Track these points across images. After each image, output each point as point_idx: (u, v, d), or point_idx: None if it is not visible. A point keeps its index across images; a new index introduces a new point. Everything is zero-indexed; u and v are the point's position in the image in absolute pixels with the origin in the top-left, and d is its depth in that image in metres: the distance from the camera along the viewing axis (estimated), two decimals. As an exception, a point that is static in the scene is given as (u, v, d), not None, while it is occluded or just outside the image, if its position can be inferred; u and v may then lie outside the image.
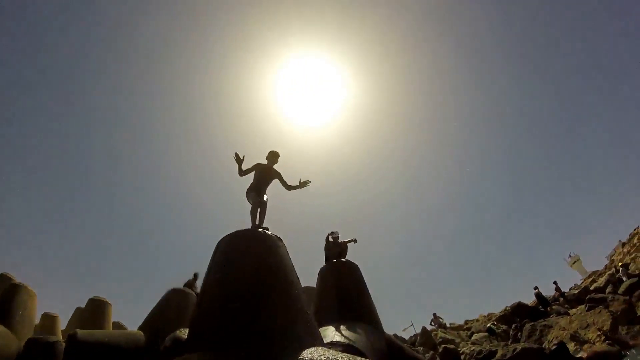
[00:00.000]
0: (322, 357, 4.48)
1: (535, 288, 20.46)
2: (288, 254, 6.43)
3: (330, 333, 7.44)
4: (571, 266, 46.44)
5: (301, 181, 7.55)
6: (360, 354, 5.76)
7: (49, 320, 14.47)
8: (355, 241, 10.98)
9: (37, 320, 13.28)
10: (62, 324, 15.02)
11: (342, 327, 7.77)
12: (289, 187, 7.59)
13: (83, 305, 14.89)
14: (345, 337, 7.19)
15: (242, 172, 7.33)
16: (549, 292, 22.87)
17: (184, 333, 6.98)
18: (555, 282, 22.58)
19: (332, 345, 6.18)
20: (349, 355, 4.78)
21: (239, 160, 7.30)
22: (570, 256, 48.34)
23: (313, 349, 4.88)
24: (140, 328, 9.29)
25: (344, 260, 10.39)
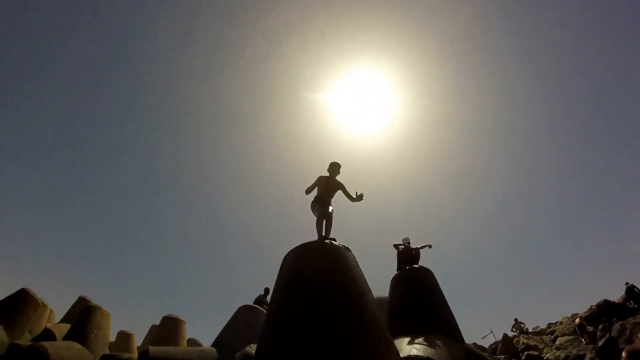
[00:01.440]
0: None
1: (627, 283, 18.99)
2: (357, 264, 6.19)
3: (406, 346, 7.07)
4: None
5: (357, 194, 7.43)
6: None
7: (124, 338, 14.92)
8: (429, 246, 10.66)
9: (112, 339, 13.74)
10: (138, 341, 15.43)
11: (418, 339, 7.39)
12: (352, 199, 7.45)
13: (158, 323, 15.28)
14: (422, 350, 6.81)
15: (308, 190, 7.35)
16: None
17: (253, 349, 6.85)
18: (627, 283, 20.77)
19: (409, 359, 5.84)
20: None
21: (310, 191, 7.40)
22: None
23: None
24: (213, 344, 9.35)
25: (416, 266, 10.02)
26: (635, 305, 17.60)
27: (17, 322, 11.04)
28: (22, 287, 11.83)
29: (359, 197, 7.37)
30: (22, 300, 11.58)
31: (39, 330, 11.61)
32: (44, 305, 12.81)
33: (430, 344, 7.18)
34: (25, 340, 10.03)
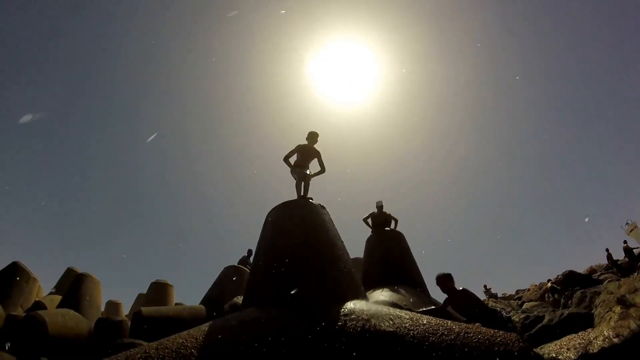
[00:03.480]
0: (364, 307, 4.90)
1: (607, 249, 20.58)
2: (331, 220, 6.95)
3: (375, 294, 7.91)
4: (628, 234, 44.58)
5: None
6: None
7: (113, 306, 15.46)
8: (396, 221, 11.16)
9: (102, 307, 14.21)
10: (126, 310, 15.95)
11: (386, 289, 8.22)
12: (321, 170, 8.23)
13: (144, 292, 15.71)
14: (389, 296, 7.64)
15: (286, 157, 8.01)
16: (603, 260, 22.65)
17: (240, 299, 7.50)
18: (607, 250, 22.22)
19: (376, 303, 6.55)
20: (388, 307, 5.19)
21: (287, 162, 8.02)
22: (627, 224, 46.68)
23: (356, 300, 5.32)
24: (201, 303, 9.97)
25: (389, 229, 10.82)
26: (599, 277, 18.83)
27: (10, 294, 11.31)
28: (14, 260, 12.17)
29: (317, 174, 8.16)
30: (15, 273, 11.89)
31: (29, 304, 11.89)
32: (35, 279, 13.20)
33: (397, 292, 8.05)
34: (19, 313, 10.37)
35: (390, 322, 4.36)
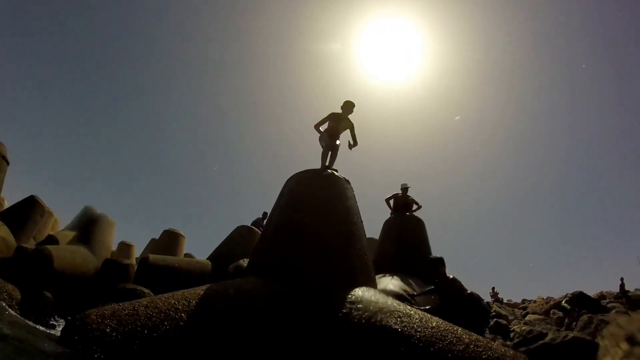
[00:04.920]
0: (372, 298, 4.56)
1: (622, 279, 19.88)
2: (355, 198, 6.48)
3: (385, 280, 7.56)
4: None
5: (350, 142, 7.68)
6: (411, 305, 5.76)
7: (125, 248, 15.51)
8: (419, 207, 10.75)
9: (114, 248, 14.28)
10: (137, 253, 16.01)
11: (397, 276, 7.86)
12: (354, 143, 7.67)
13: (158, 237, 15.77)
14: (397, 286, 7.28)
15: (317, 125, 7.53)
16: (614, 288, 21.96)
17: (245, 262, 7.29)
18: (621, 279, 21.43)
19: (384, 292, 6.25)
20: (398, 302, 4.84)
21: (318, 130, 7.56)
22: (642, 256, 45.59)
23: (365, 288, 4.98)
24: (208, 258, 9.83)
25: (409, 214, 10.42)
26: (607, 304, 18.24)
27: (24, 227, 11.38)
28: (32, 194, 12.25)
29: (350, 146, 7.66)
30: (30, 206, 11.99)
31: (43, 237, 11.98)
32: (50, 213, 13.25)
33: (406, 282, 7.69)
34: (30, 245, 10.42)
35: (399, 319, 4.04)
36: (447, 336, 3.83)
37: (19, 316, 6.81)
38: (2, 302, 6.77)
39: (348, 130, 7.62)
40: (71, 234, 12.09)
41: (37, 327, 6.02)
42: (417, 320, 4.05)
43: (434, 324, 4.05)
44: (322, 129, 7.54)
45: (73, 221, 13.54)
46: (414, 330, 3.88)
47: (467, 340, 3.82)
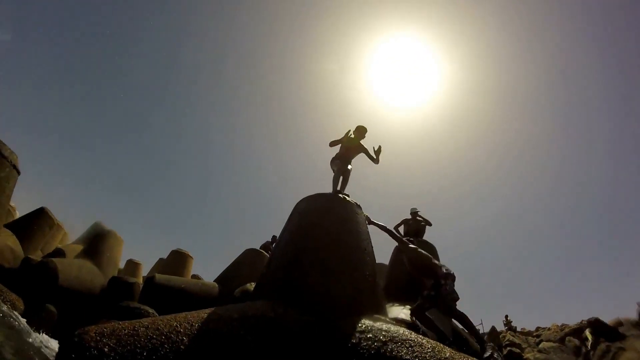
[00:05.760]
0: (383, 327, 4.37)
1: (639, 304, 19.24)
2: (365, 223, 6.39)
3: (396, 310, 7.34)
4: None
5: (375, 149, 7.58)
6: (423, 335, 5.59)
7: (132, 266, 15.50)
8: (429, 224, 10.61)
9: (122, 265, 14.27)
10: (145, 272, 15.95)
11: (409, 305, 7.64)
12: (376, 160, 7.58)
13: (165, 258, 15.73)
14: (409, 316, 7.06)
15: (334, 143, 7.50)
16: (630, 312, 21.36)
17: (252, 286, 7.16)
18: (638, 304, 20.84)
19: (395, 320, 6.07)
20: (410, 331, 4.66)
21: (347, 136, 7.51)
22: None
23: (375, 316, 4.81)
24: (215, 281, 9.70)
25: (420, 239, 10.20)
26: (629, 333, 17.73)
27: (32, 238, 11.42)
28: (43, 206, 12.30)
29: (378, 151, 7.54)
30: (40, 218, 12.03)
31: (51, 249, 12.01)
32: (59, 226, 13.32)
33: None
34: (37, 256, 10.42)
35: (410, 349, 3.84)
36: (461, 369, 3.65)
37: (22, 325, 6.76)
38: (4, 308, 6.70)
39: (362, 154, 7.59)
40: (79, 248, 12.08)
41: (37, 339, 5.94)
42: (430, 350, 3.85)
43: (447, 354, 3.86)
44: (336, 148, 7.53)
45: (82, 235, 13.55)
46: (426, 361, 3.69)
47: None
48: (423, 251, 6.50)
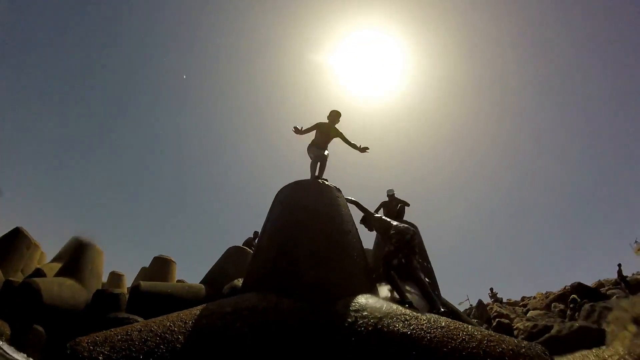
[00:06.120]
0: (377, 304, 4.39)
1: (619, 265, 19.95)
2: (347, 205, 6.40)
3: (384, 290, 7.40)
4: (636, 253, 43.51)
5: (361, 147, 7.63)
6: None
7: (115, 278, 15.20)
8: (407, 205, 10.58)
9: (105, 278, 13.99)
10: (129, 283, 15.68)
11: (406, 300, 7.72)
12: (349, 143, 7.64)
13: (148, 265, 15.50)
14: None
15: (303, 132, 7.49)
16: (613, 275, 22.06)
17: (241, 281, 7.11)
18: (619, 265, 21.47)
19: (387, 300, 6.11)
20: (403, 307, 4.68)
21: (299, 132, 7.49)
22: (636, 242, 45.45)
23: (368, 295, 4.81)
24: (201, 282, 9.61)
25: (402, 220, 10.21)
26: (607, 292, 18.27)
27: (11, 260, 11.17)
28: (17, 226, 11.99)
29: (363, 150, 7.62)
30: (16, 239, 11.74)
31: (30, 270, 11.73)
32: (36, 246, 12.97)
33: (407, 291, 7.52)
34: (18, 278, 10.20)
35: (406, 322, 3.87)
36: (459, 335, 3.68)
37: (10, 352, 6.61)
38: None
39: (337, 139, 7.61)
40: (58, 266, 11.84)
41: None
42: (425, 322, 3.89)
43: (443, 323, 3.89)
44: (308, 136, 7.52)
45: (60, 252, 13.28)
46: (423, 332, 3.72)
47: (479, 337, 3.68)
48: (385, 217, 6.80)
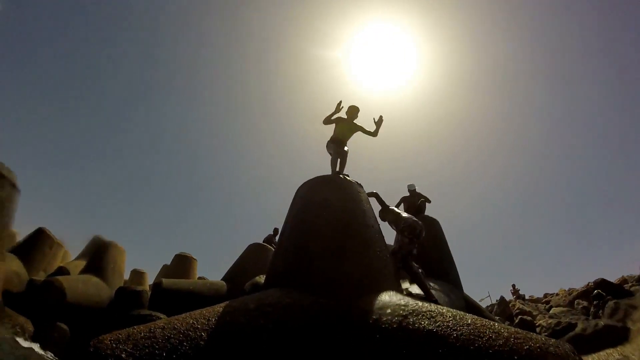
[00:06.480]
0: (401, 301, 4.31)
1: None
2: (368, 200, 6.35)
3: (406, 286, 7.30)
4: None
5: (375, 120, 7.56)
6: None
7: (137, 276, 15.39)
8: (429, 201, 10.40)
9: (126, 276, 14.15)
10: (150, 280, 15.81)
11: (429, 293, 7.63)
12: (374, 133, 7.57)
13: (169, 263, 15.61)
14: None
15: (327, 120, 7.40)
16: (632, 272, 21.59)
17: (262, 279, 7.09)
18: None
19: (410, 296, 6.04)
20: (429, 302, 4.60)
21: (338, 109, 7.40)
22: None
23: (392, 292, 4.74)
24: (222, 280, 9.61)
25: (423, 215, 10.10)
26: (631, 288, 17.85)
27: (34, 259, 11.35)
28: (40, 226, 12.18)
29: (379, 121, 7.54)
30: (39, 239, 11.93)
31: (53, 268, 11.92)
32: (59, 245, 13.16)
33: (431, 286, 7.42)
34: (41, 277, 10.33)
35: (432, 319, 3.79)
36: (485, 332, 3.59)
37: (35, 349, 6.69)
38: (8, 336, 6.62)
39: (359, 133, 7.56)
40: (82, 264, 11.99)
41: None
42: (451, 319, 3.80)
43: (469, 320, 3.80)
44: (327, 130, 7.51)
45: (83, 251, 13.44)
46: (449, 329, 3.63)
47: (506, 334, 3.58)
48: (397, 210, 6.99)
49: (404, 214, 6.76)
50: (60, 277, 9.25)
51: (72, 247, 14.58)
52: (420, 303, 4.31)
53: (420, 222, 6.58)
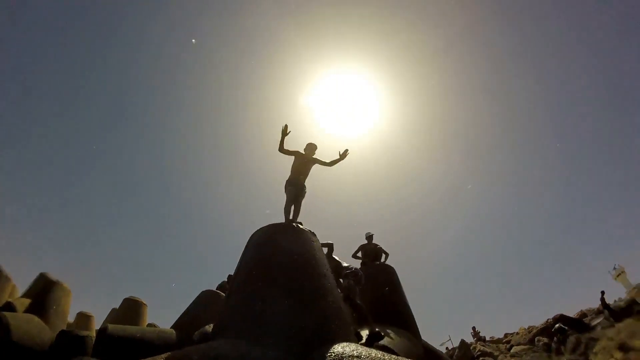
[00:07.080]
0: (355, 352, 4.19)
1: (603, 292, 19.69)
2: (322, 249, 6.35)
3: (363, 334, 7.18)
4: (615, 279, 43.65)
5: (340, 153, 7.54)
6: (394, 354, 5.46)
7: (83, 319, 14.68)
8: (387, 255, 10.56)
9: (71, 319, 13.52)
10: (98, 324, 15.14)
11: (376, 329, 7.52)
12: (331, 163, 7.55)
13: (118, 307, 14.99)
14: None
15: (282, 148, 7.26)
16: (594, 304, 21.98)
17: (212, 327, 6.87)
18: (602, 293, 21.20)
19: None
20: (383, 352, 4.48)
21: (285, 133, 7.22)
22: (614, 268, 45.72)
23: (345, 343, 4.61)
24: (173, 327, 9.27)
25: (379, 263, 10.10)
26: (590, 322, 18.14)
27: (-18, 293, 10.87)
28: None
29: (344, 154, 7.52)
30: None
31: (0, 303, 11.42)
32: (7, 278, 12.60)
33: (387, 335, 7.31)
34: (-16, 312, 9.85)
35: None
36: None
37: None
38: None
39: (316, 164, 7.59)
40: (27, 302, 11.45)
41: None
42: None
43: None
44: (286, 170, 7.47)
45: (26, 289, 12.88)
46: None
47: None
48: (337, 259, 7.50)
49: (344, 263, 7.31)
50: (7, 313, 8.78)
51: (22, 283, 14.03)
52: (373, 353, 4.20)
53: (361, 271, 7.34)
